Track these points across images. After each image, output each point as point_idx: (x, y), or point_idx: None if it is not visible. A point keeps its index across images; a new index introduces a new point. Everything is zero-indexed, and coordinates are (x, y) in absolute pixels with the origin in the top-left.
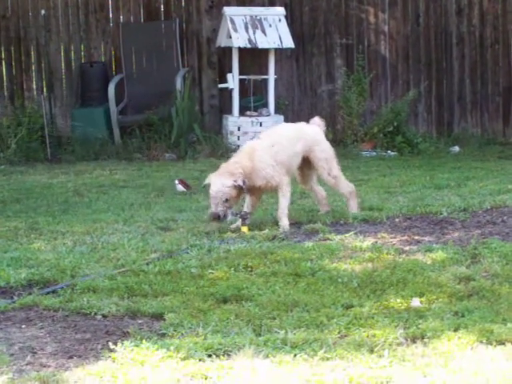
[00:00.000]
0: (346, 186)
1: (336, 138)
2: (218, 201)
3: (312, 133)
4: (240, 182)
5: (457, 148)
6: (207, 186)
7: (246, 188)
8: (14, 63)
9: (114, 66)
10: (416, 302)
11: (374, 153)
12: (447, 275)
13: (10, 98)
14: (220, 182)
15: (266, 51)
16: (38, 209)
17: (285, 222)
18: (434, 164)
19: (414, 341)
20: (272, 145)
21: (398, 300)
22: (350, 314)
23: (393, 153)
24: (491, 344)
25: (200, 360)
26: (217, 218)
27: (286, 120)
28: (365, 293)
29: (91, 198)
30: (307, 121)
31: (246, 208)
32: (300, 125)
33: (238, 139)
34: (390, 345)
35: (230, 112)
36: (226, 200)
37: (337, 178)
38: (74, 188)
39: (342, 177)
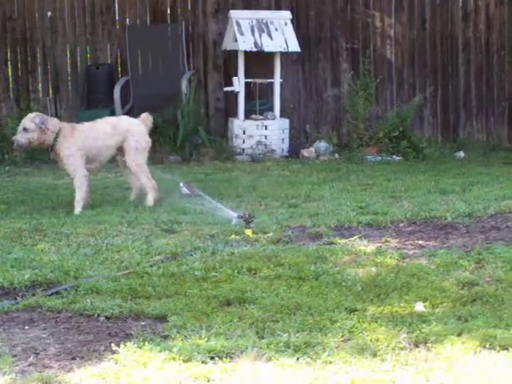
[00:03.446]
0: (147, 179)
1: (341, 142)
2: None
3: (128, 125)
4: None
5: (462, 153)
6: None
7: None
8: (19, 64)
9: (119, 68)
10: (420, 307)
11: (379, 157)
12: (451, 280)
13: (15, 100)
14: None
15: (271, 55)
16: (43, 210)
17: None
18: (439, 169)
19: (417, 345)
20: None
21: (402, 304)
22: (354, 317)
23: (398, 157)
24: (494, 349)
25: (203, 362)
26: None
27: (292, 123)
28: (368, 297)
29: (95, 199)
30: (312, 124)
31: None
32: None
33: (243, 142)
34: (392, 349)
35: (235, 115)
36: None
37: (140, 166)
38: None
39: (147, 169)
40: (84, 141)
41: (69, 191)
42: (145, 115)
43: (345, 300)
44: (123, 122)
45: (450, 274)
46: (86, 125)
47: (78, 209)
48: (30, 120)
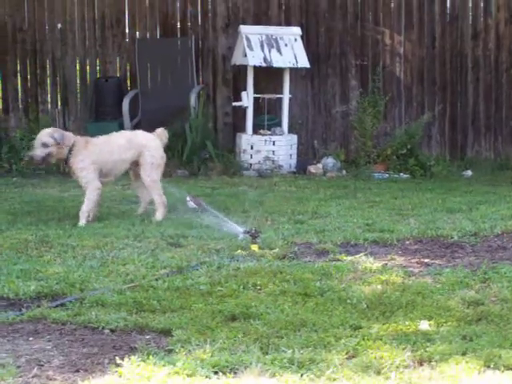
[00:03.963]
0: (159, 196)
1: (348, 159)
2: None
3: (144, 139)
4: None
5: (469, 172)
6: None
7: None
8: (29, 76)
9: (128, 82)
10: (424, 325)
11: (387, 175)
12: (456, 299)
13: (24, 111)
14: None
15: (281, 70)
16: (49, 222)
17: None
18: (447, 187)
19: (421, 364)
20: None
21: (407, 322)
22: (358, 335)
23: (405, 175)
24: (499, 369)
25: (206, 377)
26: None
27: (300, 139)
28: (373, 314)
29: (102, 212)
30: (320, 140)
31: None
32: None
33: (251, 157)
34: (397, 367)
35: (243, 130)
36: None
37: (155, 182)
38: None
39: (160, 186)
40: (98, 154)
41: (75, 203)
42: (160, 130)
43: (350, 317)
44: (139, 136)
45: (456, 292)
46: (101, 138)
47: (82, 220)
48: (49, 135)
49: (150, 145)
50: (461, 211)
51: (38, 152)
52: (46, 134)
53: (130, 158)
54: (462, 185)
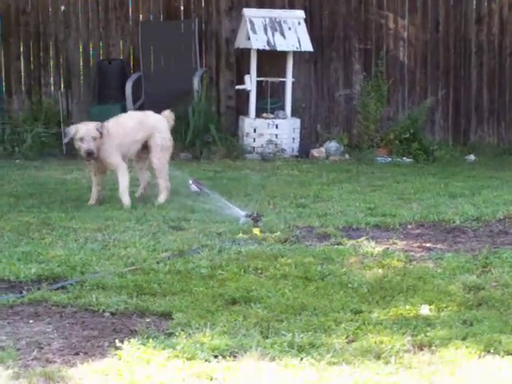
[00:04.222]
0: (164, 180)
1: (352, 143)
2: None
3: (154, 121)
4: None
5: (472, 157)
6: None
7: None
8: (32, 58)
9: (132, 64)
10: (425, 310)
11: (390, 159)
12: (457, 284)
13: (27, 93)
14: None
15: (284, 54)
16: (51, 204)
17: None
18: (449, 172)
19: (421, 348)
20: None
21: (407, 307)
22: (359, 319)
23: (408, 159)
24: (499, 354)
25: (206, 360)
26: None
27: (303, 123)
28: (374, 299)
29: (105, 194)
30: (323, 124)
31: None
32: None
33: (254, 141)
34: (397, 352)
35: (246, 113)
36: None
37: (163, 165)
38: (87, 185)
39: (167, 170)
40: (117, 138)
41: (78, 186)
42: (167, 112)
43: (350, 301)
44: (149, 117)
45: (457, 277)
46: (111, 121)
47: (126, 199)
48: (96, 128)
49: (160, 127)
50: (463, 196)
51: (92, 146)
52: (93, 128)
53: (141, 140)
54: (465, 169)
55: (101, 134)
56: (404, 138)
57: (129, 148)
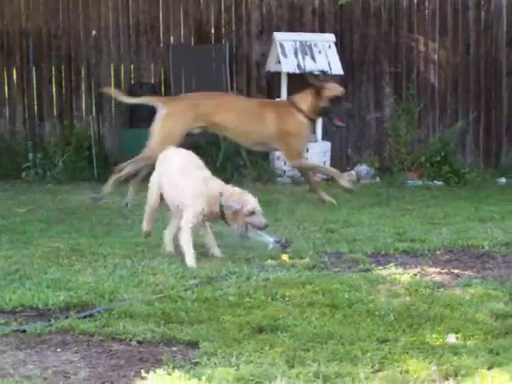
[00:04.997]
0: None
1: (382, 166)
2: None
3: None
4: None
5: (503, 179)
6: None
7: None
8: (63, 82)
9: (163, 88)
10: (452, 339)
11: (420, 182)
12: (484, 311)
13: (58, 117)
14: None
15: None
16: (81, 230)
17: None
18: (480, 195)
19: (447, 378)
20: None
21: (434, 335)
22: (385, 348)
23: (439, 183)
24: None
25: None
26: None
27: (334, 146)
28: (401, 327)
29: (135, 220)
30: (353, 147)
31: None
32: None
33: (285, 164)
34: (422, 381)
35: None
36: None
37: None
38: (118, 209)
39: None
40: None
41: (108, 211)
42: None
43: (377, 330)
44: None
45: (484, 305)
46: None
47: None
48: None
49: None
50: (493, 220)
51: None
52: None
53: None
54: (496, 192)
55: None
56: (435, 161)
57: None
